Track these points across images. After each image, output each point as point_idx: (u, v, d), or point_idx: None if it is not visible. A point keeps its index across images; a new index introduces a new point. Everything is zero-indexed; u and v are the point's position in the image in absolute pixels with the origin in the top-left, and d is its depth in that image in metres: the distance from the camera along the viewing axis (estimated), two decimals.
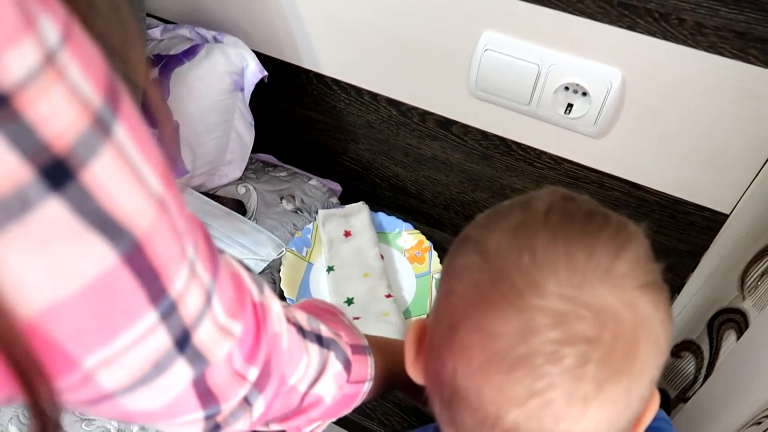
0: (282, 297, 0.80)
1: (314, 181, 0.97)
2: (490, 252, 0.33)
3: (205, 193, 0.91)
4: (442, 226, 0.97)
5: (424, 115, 0.85)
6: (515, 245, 0.32)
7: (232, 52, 0.82)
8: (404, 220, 0.92)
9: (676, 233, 0.78)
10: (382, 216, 0.93)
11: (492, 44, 0.72)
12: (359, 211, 0.91)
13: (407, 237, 0.91)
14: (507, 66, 0.72)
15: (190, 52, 0.83)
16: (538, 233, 0.32)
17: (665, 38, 0.63)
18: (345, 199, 0.99)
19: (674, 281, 0.81)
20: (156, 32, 0.88)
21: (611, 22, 0.65)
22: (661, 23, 0.62)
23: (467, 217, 0.94)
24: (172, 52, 0.84)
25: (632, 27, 0.64)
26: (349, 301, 0.80)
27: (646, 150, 0.73)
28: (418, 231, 0.91)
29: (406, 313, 0.80)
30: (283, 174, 0.98)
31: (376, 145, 0.93)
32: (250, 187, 0.94)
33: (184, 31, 0.86)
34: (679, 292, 0.82)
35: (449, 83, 0.79)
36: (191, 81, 0.82)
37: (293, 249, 0.86)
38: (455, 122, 0.83)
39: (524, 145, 0.80)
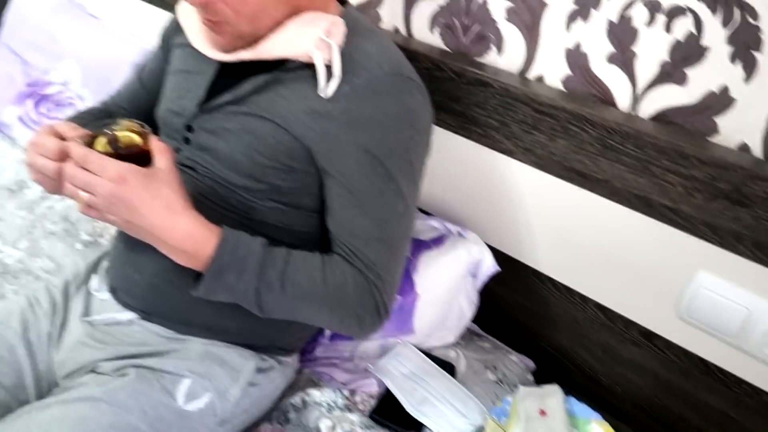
0: None
1: (514, 356, 1.11)
2: None
3: (422, 351, 1.09)
4: (628, 421, 1.05)
5: (629, 323, 0.97)
6: None
7: (473, 248, 1.02)
8: (594, 409, 1.01)
9: None
10: (573, 401, 1.03)
11: (705, 284, 0.84)
12: (554, 393, 1.02)
13: (596, 427, 0.99)
14: (717, 304, 0.83)
15: (438, 241, 1.05)
16: None
17: None
18: (537, 376, 1.11)
19: None
20: None
21: None
22: None
23: (656, 419, 1.01)
24: (422, 237, 1.07)
25: None
26: None
27: None
28: (606, 422, 0.99)
29: None
30: (487, 345, 1.13)
31: (577, 338, 1.06)
32: (460, 353, 1.10)
33: (434, 222, 1.08)
34: None
35: (658, 303, 0.92)
36: (435, 265, 1.03)
37: (494, 417, 0.99)
38: (658, 336, 0.94)
39: (725, 370, 0.88)
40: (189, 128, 0.88)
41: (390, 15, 1.12)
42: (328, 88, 0.79)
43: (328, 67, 0.79)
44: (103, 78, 1.62)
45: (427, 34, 1.08)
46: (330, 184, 0.84)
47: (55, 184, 0.79)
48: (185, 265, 0.77)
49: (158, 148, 0.75)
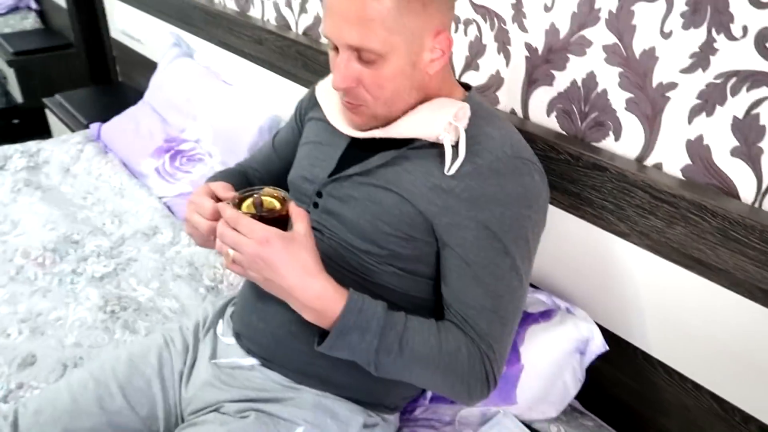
0: None
1: None
2: None
3: (523, 422, 1.09)
4: None
5: (748, 418, 0.93)
6: None
7: (582, 325, 1.03)
8: None
9: None
10: None
11: None
12: None
13: None
14: None
15: (546, 315, 1.07)
16: None
17: None
18: None
19: None
20: None
21: None
22: None
23: None
24: (529, 310, 1.09)
25: None
26: None
27: None
28: None
29: None
30: (590, 423, 1.12)
31: (687, 426, 1.03)
32: (561, 429, 1.09)
33: (542, 296, 1.11)
34: None
35: None
36: (542, 339, 1.04)
37: None
38: None
39: None
40: (319, 194, 0.97)
41: (508, 98, 1.19)
42: (452, 167, 0.85)
43: (454, 147, 0.86)
44: (231, 139, 1.79)
45: (543, 118, 1.14)
46: (448, 255, 0.89)
47: (205, 239, 0.90)
48: (312, 321, 0.83)
49: (297, 214, 0.83)
